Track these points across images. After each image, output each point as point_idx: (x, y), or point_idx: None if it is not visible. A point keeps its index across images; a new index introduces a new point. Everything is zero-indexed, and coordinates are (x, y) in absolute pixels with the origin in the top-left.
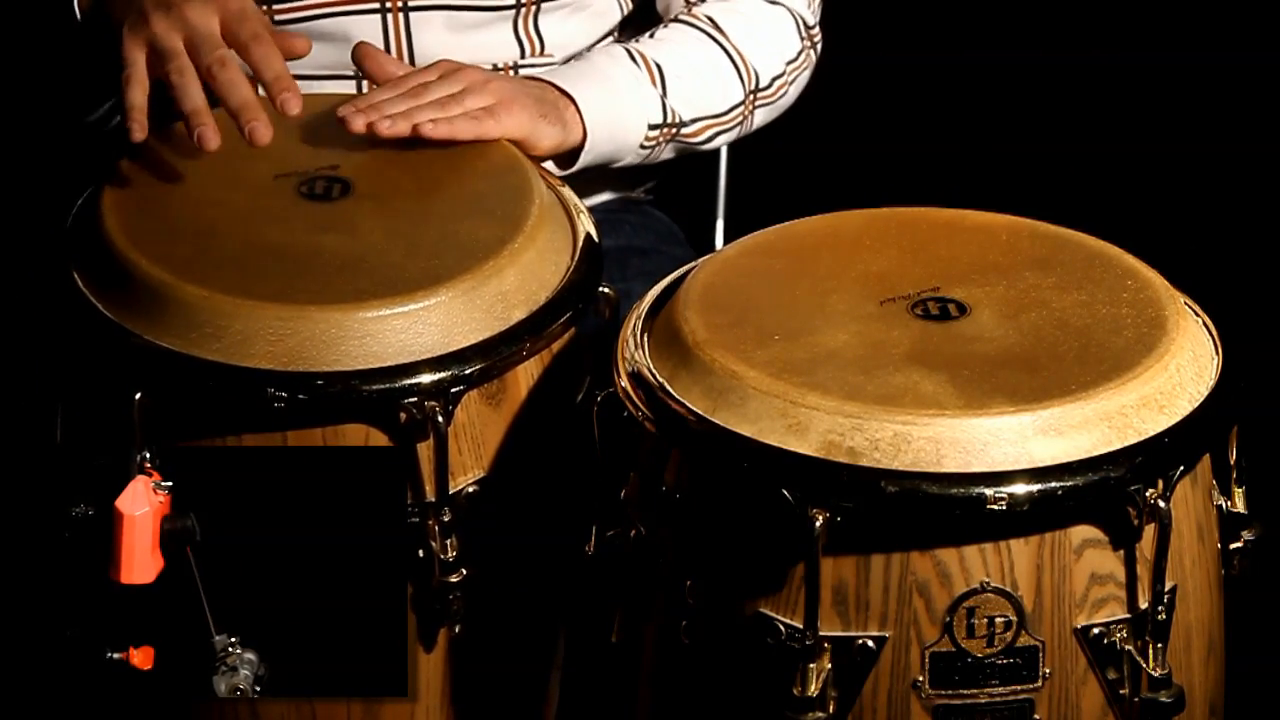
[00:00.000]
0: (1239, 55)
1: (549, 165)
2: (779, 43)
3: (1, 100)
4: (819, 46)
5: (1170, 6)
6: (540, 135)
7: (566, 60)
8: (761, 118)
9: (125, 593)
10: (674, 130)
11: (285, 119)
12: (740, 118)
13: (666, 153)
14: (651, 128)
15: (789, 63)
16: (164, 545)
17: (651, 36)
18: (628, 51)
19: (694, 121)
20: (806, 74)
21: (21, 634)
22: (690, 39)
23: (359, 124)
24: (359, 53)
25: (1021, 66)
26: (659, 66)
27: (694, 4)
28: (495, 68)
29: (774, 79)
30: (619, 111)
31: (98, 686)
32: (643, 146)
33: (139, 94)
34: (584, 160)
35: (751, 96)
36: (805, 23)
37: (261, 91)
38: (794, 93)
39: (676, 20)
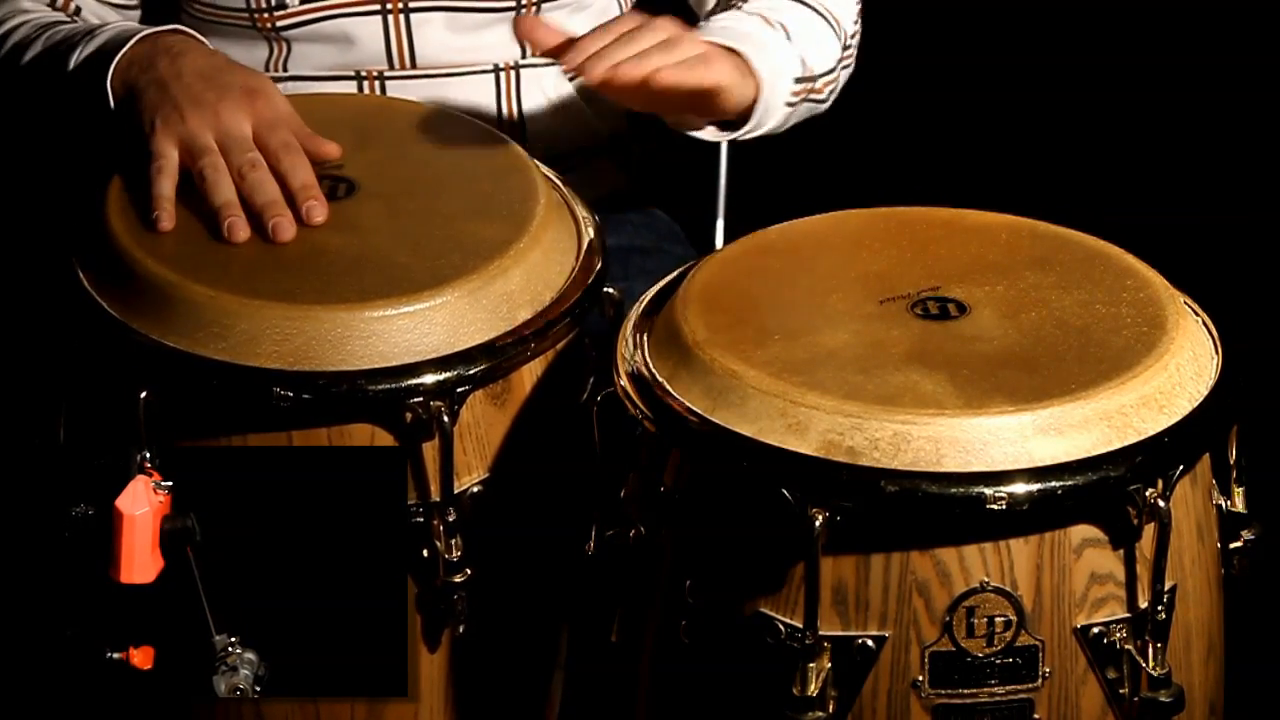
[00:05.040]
0: (1238, 54)
1: (708, 135)
2: (847, 4)
3: (8, 103)
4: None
5: (1170, 6)
6: (736, 92)
7: None
8: (843, 80)
9: (125, 593)
10: (810, 85)
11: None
12: (839, 76)
13: (798, 115)
14: (796, 82)
15: (855, 23)
16: (164, 545)
17: (742, 7)
18: (748, 14)
19: (821, 76)
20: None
21: (21, 634)
22: (784, 3)
23: (599, 72)
24: (521, 27)
25: (1021, 66)
26: (783, 25)
27: None
28: (497, 67)
29: (851, 37)
30: (773, 67)
31: (98, 686)
32: (787, 104)
33: (169, 185)
34: (753, 120)
35: (844, 54)
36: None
37: None
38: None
39: None
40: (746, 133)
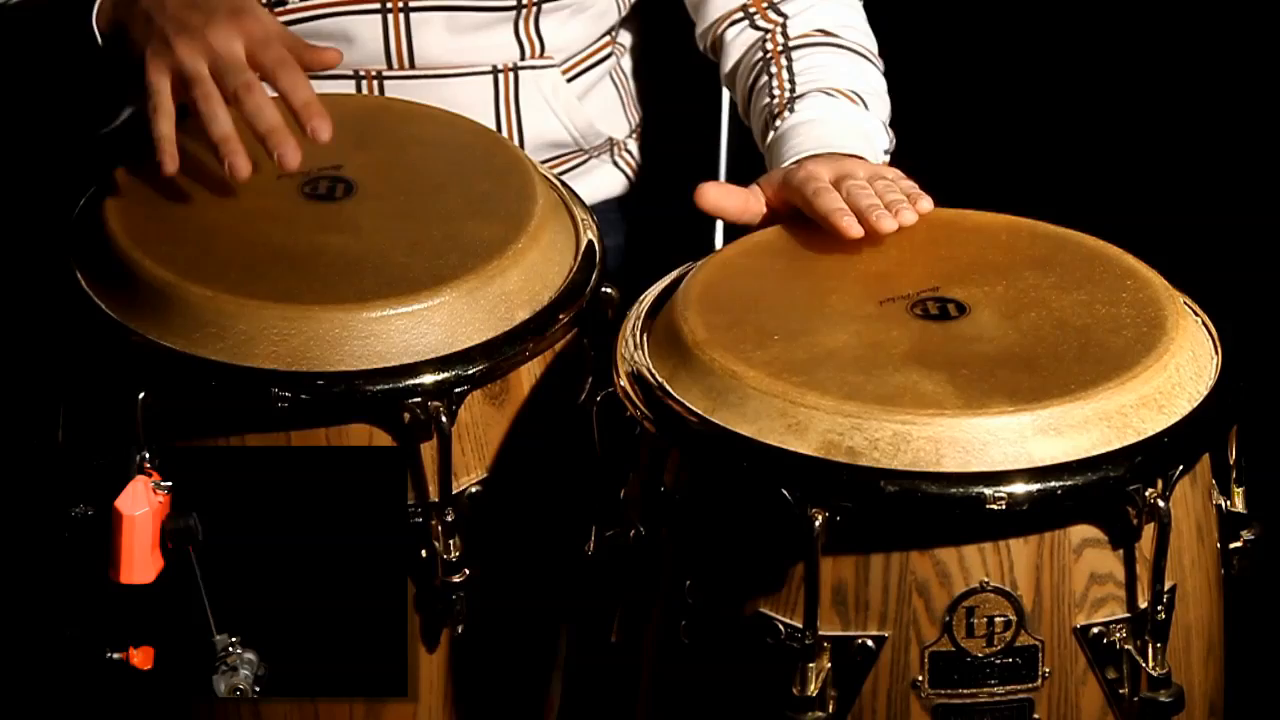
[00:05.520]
0: (1238, 54)
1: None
2: (865, 23)
3: (6, 101)
4: None
5: (1169, 6)
6: None
7: (565, 61)
8: None
9: (125, 593)
10: (890, 148)
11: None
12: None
13: None
14: (885, 153)
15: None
16: (165, 545)
17: (796, 72)
18: (824, 92)
19: (889, 128)
20: None
21: (21, 634)
22: (835, 57)
23: (890, 227)
24: (706, 200)
25: (1021, 66)
26: (857, 94)
27: (763, 9)
28: (495, 68)
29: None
30: (874, 153)
31: (98, 686)
32: None
33: (167, 124)
34: None
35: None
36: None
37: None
38: None
39: (795, 48)
40: None
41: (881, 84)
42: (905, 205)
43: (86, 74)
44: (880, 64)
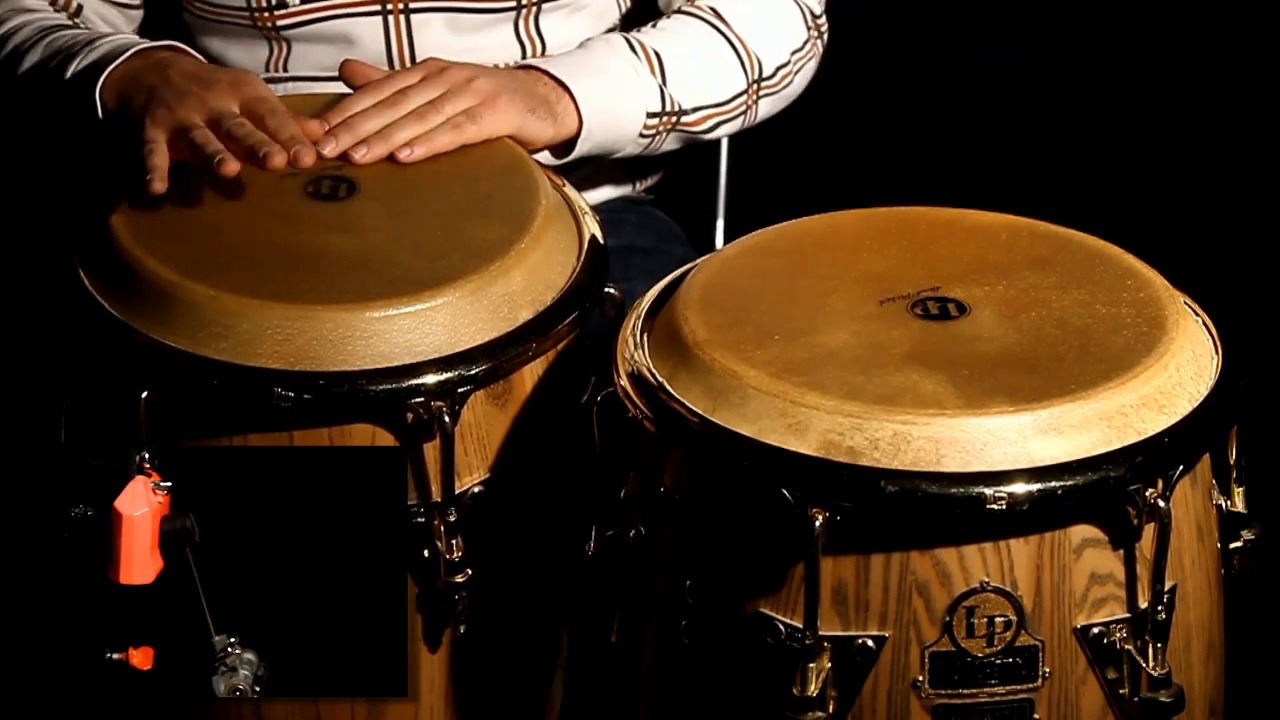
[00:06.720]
0: (1238, 55)
1: (544, 156)
2: (784, 32)
3: (8, 101)
4: (825, 36)
5: (1169, 7)
6: (529, 131)
7: None
8: (767, 108)
9: (125, 593)
10: (674, 119)
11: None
12: (743, 107)
13: (669, 143)
14: (650, 116)
15: (794, 52)
16: (163, 546)
17: (654, 26)
18: (627, 40)
19: (695, 110)
20: (813, 63)
21: (21, 634)
22: (693, 29)
23: (331, 151)
24: (347, 72)
25: (1021, 67)
26: (658, 55)
27: None
28: (497, 67)
29: (778, 68)
30: (617, 101)
31: (98, 686)
32: (642, 135)
33: (161, 159)
34: (580, 150)
35: (755, 86)
36: (812, 12)
37: None
38: (800, 82)
39: (680, 11)
40: (579, 156)
41: (724, 69)
42: (374, 139)
43: (88, 138)
44: (752, 64)
